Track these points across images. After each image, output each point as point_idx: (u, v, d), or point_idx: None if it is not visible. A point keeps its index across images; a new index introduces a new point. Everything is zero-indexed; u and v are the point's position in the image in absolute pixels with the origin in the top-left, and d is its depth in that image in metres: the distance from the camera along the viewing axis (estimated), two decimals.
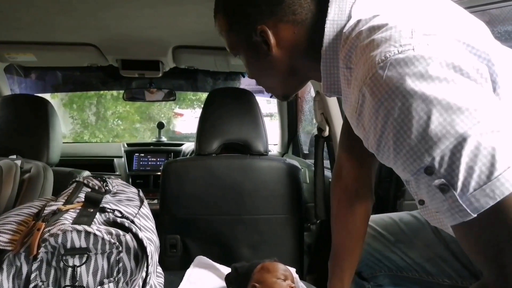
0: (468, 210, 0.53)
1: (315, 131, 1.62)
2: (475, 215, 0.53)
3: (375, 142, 0.60)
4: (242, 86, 2.51)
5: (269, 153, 1.62)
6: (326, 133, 1.51)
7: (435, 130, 0.53)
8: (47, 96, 2.68)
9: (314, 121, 1.73)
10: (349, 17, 0.68)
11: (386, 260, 1.07)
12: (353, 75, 0.65)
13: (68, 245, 0.81)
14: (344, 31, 0.68)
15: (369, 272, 1.12)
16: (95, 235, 0.82)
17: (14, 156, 1.41)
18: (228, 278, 1.21)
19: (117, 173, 2.38)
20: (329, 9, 0.70)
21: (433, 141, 0.53)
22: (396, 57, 0.56)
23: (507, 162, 0.51)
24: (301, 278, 1.29)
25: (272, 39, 0.74)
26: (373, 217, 1.11)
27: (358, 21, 0.66)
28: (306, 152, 2.37)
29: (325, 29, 0.70)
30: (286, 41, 0.75)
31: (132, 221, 0.91)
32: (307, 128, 2.46)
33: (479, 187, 0.52)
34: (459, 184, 0.53)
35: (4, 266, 0.80)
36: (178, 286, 1.19)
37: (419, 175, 0.56)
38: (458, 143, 0.52)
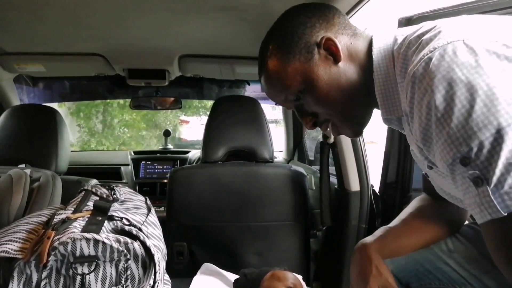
0: (499, 208, 0.51)
1: (320, 138, 1.62)
2: (505, 214, 0.51)
3: (420, 131, 0.59)
4: (247, 94, 2.52)
5: (275, 159, 1.63)
6: (331, 140, 1.51)
7: (477, 120, 0.51)
8: (54, 105, 2.71)
9: None
10: (395, 40, 0.72)
11: (437, 271, 0.98)
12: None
13: (77, 253, 0.82)
14: (394, 49, 0.71)
15: (418, 283, 1.02)
16: (103, 243, 0.83)
17: (23, 165, 1.43)
18: (236, 284, 1.22)
19: (124, 181, 2.40)
20: (373, 40, 0.75)
21: (473, 130, 0.51)
22: (445, 47, 0.56)
23: None
24: (308, 284, 1.29)
25: (338, 45, 0.75)
26: None
27: (405, 37, 0.69)
28: (311, 158, 2.37)
29: (373, 56, 0.73)
30: (346, 49, 0.77)
31: (140, 229, 0.92)
32: (313, 134, 2.46)
33: (507, 190, 0.49)
34: (494, 179, 0.50)
35: (15, 274, 0.82)
36: None
37: (455, 165, 0.55)
38: (499, 136, 0.50)
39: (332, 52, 0.76)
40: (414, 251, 0.95)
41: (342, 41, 0.77)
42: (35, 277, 0.83)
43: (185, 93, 2.65)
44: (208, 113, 1.62)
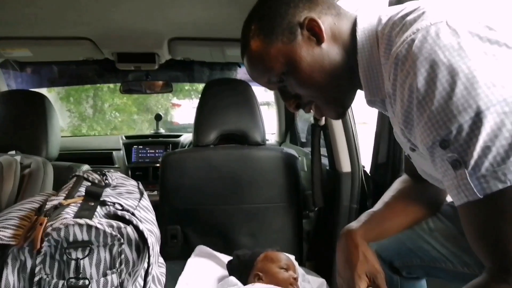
0: (475, 190, 0.51)
1: (312, 120, 1.63)
2: (481, 197, 0.51)
3: (402, 114, 0.60)
4: (238, 77, 2.51)
5: (267, 142, 1.63)
6: (323, 122, 1.52)
7: (457, 103, 0.51)
8: (43, 90, 2.67)
9: None
10: (379, 20, 0.70)
11: (418, 250, 1.00)
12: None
13: (71, 239, 0.83)
14: (378, 30, 0.70)
15: (400, 262, 1.04)
16: (96, 228, 0.83)
17: (13, 152, 1.42)
18: (230, 265, 1.23)
19: (116, 166, 2.39)
20: (357, 20, 0.73)
21: (453, 113, 0.52)
22: (428, 29, 0.56)
23: None
24: (300, 264, 1.32)
25: (321, 25, 0.73)
26: None
27: (389, 18, 0.68)
28: (303, 140, 2.38)
29: (357, 37, 0.72)
30: (330, 30, 0.75)
31: (133, 214, 0.92)
32: (305, 116, 2.47)
33: (491, 169, 0.50)
34: (472, 162, 0.51)
35: (9, 261, 0.82)
36: (179, 275, 1.22)
37: (434, 148, 0.55)
38: (478, 119, 0.50)
39: (315, 33, 0.74)
40: (398, 233, 0.97)
41: (325, 22, 0.75)
42: (29, 263, 0.83)
43: (175, 77, 2.62)
44: (200, 97, 1.62)
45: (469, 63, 0.52)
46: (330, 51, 0.75)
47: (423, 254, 1.00)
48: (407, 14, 0.64)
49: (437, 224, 0.97)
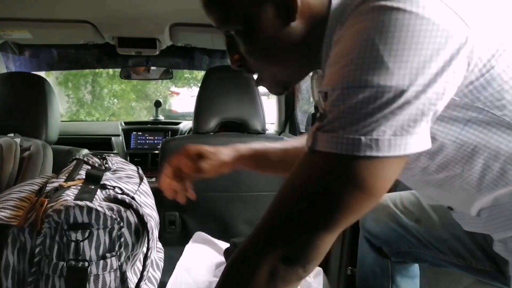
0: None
1: (312, 110, 1.63)
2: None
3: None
4: None
5: (266, 132, 1.63)
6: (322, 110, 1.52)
7: (357, 71, 0.50)
8: (41, 74, 2.65)
9: (311, 99, 1.74)
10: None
11: (409, 235, 1.04)
12: None
13: (71, 221, 0.83)
14: (348, 4, 0.63)
15: (389, 248, 1.09)
16: (97, 210, 0.83)
17: (12, 135, 1.41)
18: (227, 253, 1.24)
19: (115, 151, 2.39)
20: None
21: (337, 75, 0.53)
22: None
23: (363, 132, 0.49)
24: None
25: (299, 2, 0.61)
26: (401, 193, 1.08)
27: None
28: (303, 131, 2.38)
29: (330, 11, 0.63)
30: (309, 6, 0.63)
31: (133, 198, 0.93)
32: (304, 107, 2.46)
33: (322, 131, 0.53)
34: (324, 121, 0.53)
35: (9, 241, 0.82)
36: (177, 261, 1.22)
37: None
38: (346, 92, 0.51)
39: (288, 6, 0.62)
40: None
41: None
42: (29, 244, 0.84)
43: (175, 63, 2.61)
44: (199, 84, 1.61)
45: (384, 32, 0.49)
46: (297, 30, 0.64)
47: (413, 239, 1.04)
48: None
49: (422, 215, 1.01)
